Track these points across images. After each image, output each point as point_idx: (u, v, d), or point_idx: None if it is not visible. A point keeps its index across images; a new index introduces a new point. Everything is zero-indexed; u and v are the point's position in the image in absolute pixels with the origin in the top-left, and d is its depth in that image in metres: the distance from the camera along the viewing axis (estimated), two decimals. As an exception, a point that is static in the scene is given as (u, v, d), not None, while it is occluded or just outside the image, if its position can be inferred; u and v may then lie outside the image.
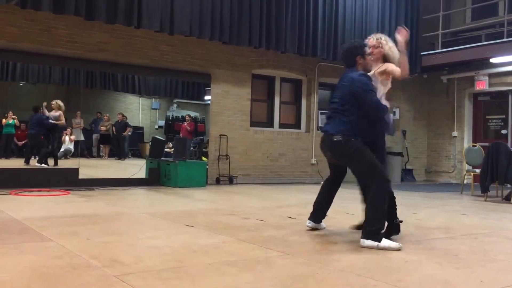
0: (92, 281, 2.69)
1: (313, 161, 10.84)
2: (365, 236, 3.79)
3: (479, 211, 6.45)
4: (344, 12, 10.45)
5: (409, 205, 6.70)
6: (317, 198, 4.47)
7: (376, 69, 4.27)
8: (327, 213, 4.48)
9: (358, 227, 4.34)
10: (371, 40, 4.37)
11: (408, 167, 12.51)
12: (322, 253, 3.62)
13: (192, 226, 4.51)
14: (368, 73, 4.21)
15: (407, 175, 12.32)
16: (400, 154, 11.93)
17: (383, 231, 3.88)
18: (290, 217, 5.27)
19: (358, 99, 3.98)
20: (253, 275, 2.92)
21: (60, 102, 10.55)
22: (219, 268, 3.06)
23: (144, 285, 2.64)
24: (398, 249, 3.72)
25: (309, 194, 8.10)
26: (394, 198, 4.25)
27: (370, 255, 3.60)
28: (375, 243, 3.73)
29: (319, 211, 4.45)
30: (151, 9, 8.09)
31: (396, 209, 4.25)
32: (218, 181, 9.52)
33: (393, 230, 4.18)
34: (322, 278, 2.91)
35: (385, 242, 3.76)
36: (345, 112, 4.02)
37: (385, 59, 4.29)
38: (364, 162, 3.96)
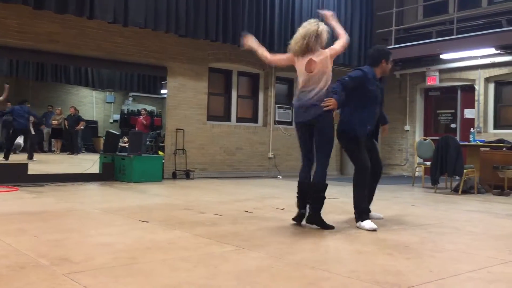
0: (39, 280, 2.59)
1: (270, 155, 10.89)
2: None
3: (429, 203, 6.67)
4: (301, 7, 10.52)
5: (363, 198, 6.83)
6: None
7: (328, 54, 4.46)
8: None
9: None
10: (322, 26, 4.49)
11: (363, 160, 12.75)
12: (278, 246, 3.64)
13: (147, 222, 4.44)
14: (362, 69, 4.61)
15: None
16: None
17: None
18: (246, 211, 5.27)
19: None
20: (208, 270, 2.89)
21: None
22: (174, 264, 3.02)
23: (95, 283, 2.57)
24: (374, 230, 4.23)
25: (266, 188, 8.15)
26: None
27: (325, 247, 3.65)
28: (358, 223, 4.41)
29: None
30: (104, -1, 7.86)
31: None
32: (174, 176, 9.42)
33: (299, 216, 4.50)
34: (277, 271, 2.92)
35: (365, 223, 4.34)
36: None
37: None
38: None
